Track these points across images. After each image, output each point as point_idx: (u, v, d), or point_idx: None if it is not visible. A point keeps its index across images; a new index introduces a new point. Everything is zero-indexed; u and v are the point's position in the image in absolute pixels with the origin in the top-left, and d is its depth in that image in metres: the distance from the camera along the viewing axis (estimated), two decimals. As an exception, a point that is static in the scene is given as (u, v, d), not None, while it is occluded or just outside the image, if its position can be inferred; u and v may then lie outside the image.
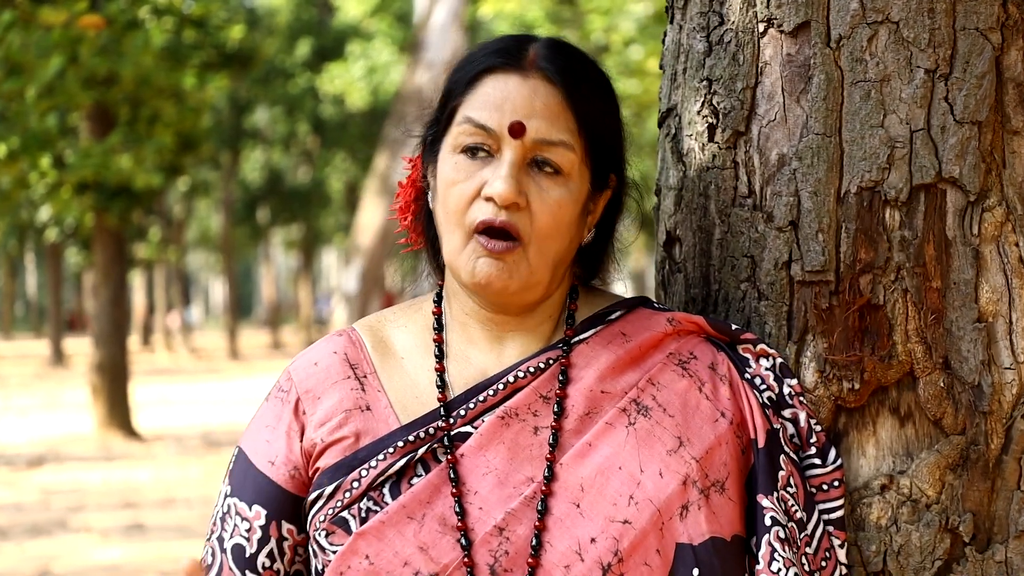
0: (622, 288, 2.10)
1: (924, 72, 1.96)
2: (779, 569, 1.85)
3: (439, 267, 2.02)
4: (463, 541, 1.82)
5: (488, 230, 1.85)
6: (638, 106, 21.23)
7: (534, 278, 1.87)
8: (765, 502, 1.87)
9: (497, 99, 1.87)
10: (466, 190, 1.86)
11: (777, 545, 1.86)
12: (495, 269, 1.85)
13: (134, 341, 39.76)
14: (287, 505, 1.93)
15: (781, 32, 2.02)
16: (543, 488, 1.84)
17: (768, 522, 1.86)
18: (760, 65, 2.05)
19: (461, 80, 1.91)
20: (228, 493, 1.97)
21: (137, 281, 42.95)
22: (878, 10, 1.96)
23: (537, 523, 1.82)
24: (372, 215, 15.21)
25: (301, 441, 1.93)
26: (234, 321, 40.28)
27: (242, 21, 23.39)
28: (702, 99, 2.11)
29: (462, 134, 1.88)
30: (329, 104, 35.87)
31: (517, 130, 1.84)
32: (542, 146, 1.86)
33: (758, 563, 1.86)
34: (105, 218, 17.12)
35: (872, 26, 1.97)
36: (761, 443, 1.90)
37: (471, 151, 1.87)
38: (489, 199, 1.85)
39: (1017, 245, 1.97)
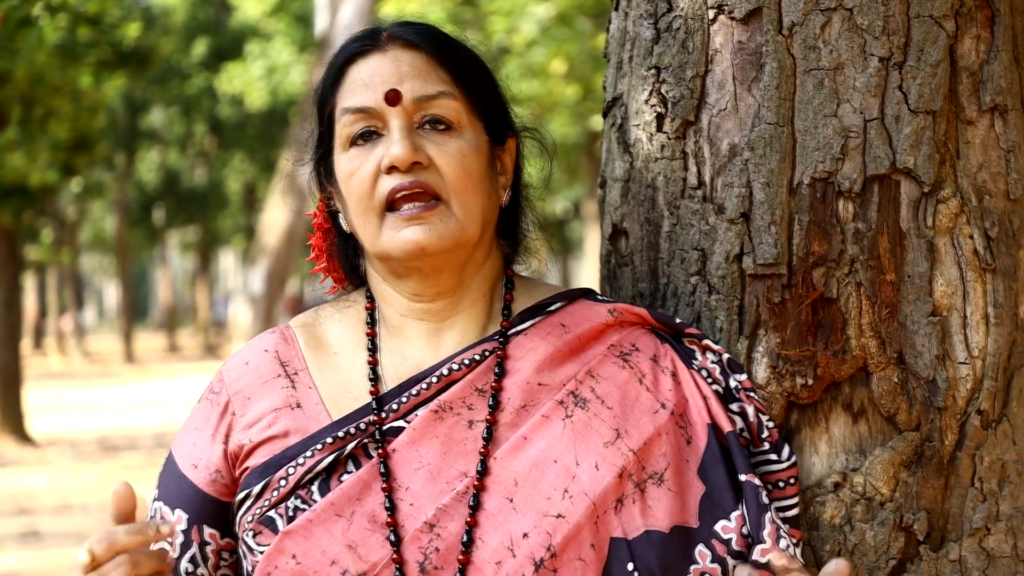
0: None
1: (878, 60, 1.92)
2: (787, 546, 1.81)
3: (364, 281, 1.99)
4: (392, 538, 1.78)
5: (401, 197, 1.82)
6: (540, 108, 21.24)
7: (465, 233, 1.84)
8: (756, 480, 1.83)
9: (365, 79, 1.87)
10: (366, 172, 1.84)
11: (780, 522, 1.82)
12: (422, 232, 1.81)
13: (26, 345, 38.96)
14: (209, 509, 1.89)
15: (732, 19, 1.97)
16: (476, 483, 1.80)
17: (765, 500, 1.82)
18: (710, 53, 1.99)
19: (328, 82, 1.91)
20: (156, 497, 1.94)
21: (29, 283, 42.06)
22: (832, -4, 1.92)
23: (468, 519, 1.78)
24: (277, 215, 15.00)
25: (226, 444, 1.89)
26: (129, 324, 39.60)
27: (138, 19, 22.96)
28: (650, 88, 2.05)
29: (345, 127, 1.87)
30: (227, 104, 35.42)
31: (393, 97, 1.84)
32: (423, 103, 1.85)
33: (762, 541, 1.80)
34: (-3, 218, 16.71)
35: (825, 13, 1.93)
36: (726, 427, 1.85)
37: (361, 138, 1.86)
38: (391, 169, 1.83)
39: (972, 237, 1.94)
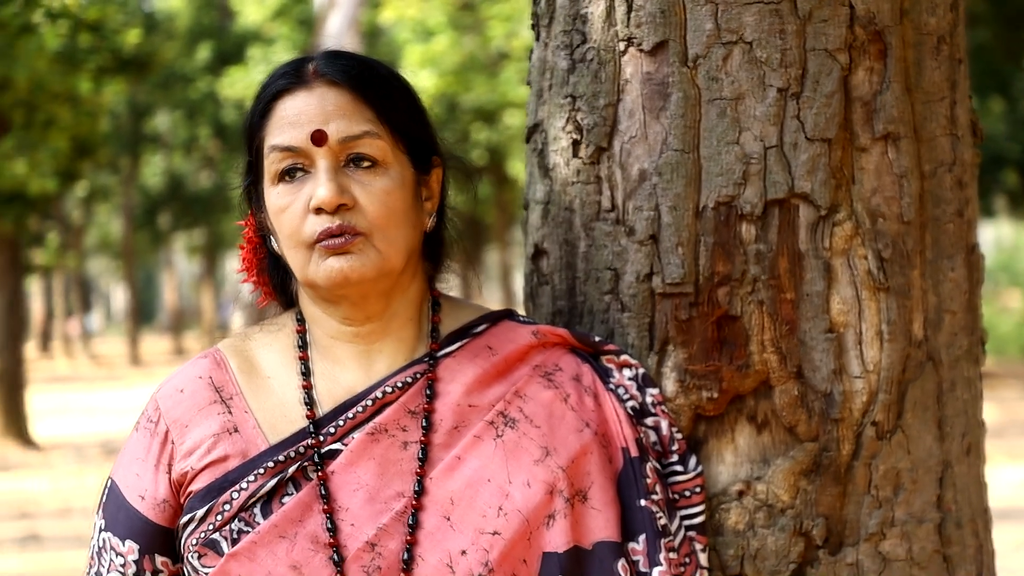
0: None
1: (776, 91, 2.03)
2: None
3: (292, 303, 2.06)
4: (335, 557, 1.85)
5: (328, 236, 1.88)
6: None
7: (388, 264, 1.90)
8: (654, 507, 1.94)
9: (292, 118, 1.92)
10: (295, 210, 1.91)
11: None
12: (345, 262, 1.88)
13: (32, 348, 39.14)
14: (159, 538, 1.95)
15: (640, 51, 2.08)
16: (413, 503, 1.87)
17: (660, 528, 1.93)
18: (621, 83, 2.10)
19: (256, 115, 1.97)
20: (103, 527, 1.98)
21: (35, 287, 42.26)
22: (732, 30, 2.03)
23: (408, 537, 1.86)
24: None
25: (170, 473, 1.95)
26: (135, 327, 39.78)
27: (139, 25, 23.09)
28: (566, 115, 2.16)
29: (273, 163, 1.93)
30: (231, 108, 35.55)
31: (319, 138, 1.89)
32: (349, 143, 1.90)
33: (659, 564, 1.91)
34: (-1, 224, 16.85)
35: (727, 46, 2.03)
36: (634, 452, 1.95)
37: (288, 174, 1.92)
38: (318, 210, 1.89)
39: (865, 258, 2.04)
